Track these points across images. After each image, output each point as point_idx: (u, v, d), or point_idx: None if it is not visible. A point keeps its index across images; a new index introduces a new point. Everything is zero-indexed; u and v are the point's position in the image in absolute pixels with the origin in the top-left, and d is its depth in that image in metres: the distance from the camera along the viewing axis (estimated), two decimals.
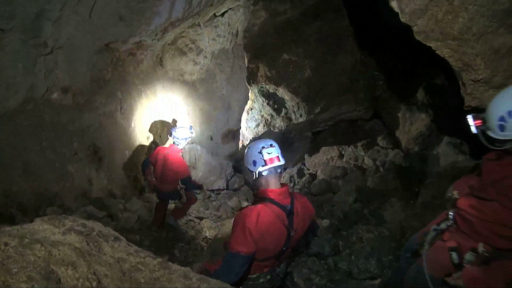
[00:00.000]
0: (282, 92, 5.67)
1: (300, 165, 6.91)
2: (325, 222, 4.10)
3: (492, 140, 1.84)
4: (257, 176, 2.26)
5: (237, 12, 8.00)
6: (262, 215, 2.15)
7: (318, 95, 5.69)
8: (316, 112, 5.87)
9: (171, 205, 6.46)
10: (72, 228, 1.62)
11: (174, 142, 5.79)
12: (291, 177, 6.34)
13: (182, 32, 7.32)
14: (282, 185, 2.32)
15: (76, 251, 1.43)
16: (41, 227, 1.55)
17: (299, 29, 5.74)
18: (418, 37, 2.43)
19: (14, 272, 1.16)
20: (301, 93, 5.63)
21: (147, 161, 5.79)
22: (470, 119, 1.92)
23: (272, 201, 2.22)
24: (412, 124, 5.35)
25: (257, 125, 6.24)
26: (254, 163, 2.26)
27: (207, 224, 6.28)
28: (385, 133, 6.11)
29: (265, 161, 2.22)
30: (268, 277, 2.41)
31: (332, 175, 5.49)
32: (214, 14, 7.49)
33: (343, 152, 6.13)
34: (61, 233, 1.54)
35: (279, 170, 2.29)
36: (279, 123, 6.07)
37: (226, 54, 8.95)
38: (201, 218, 6.79)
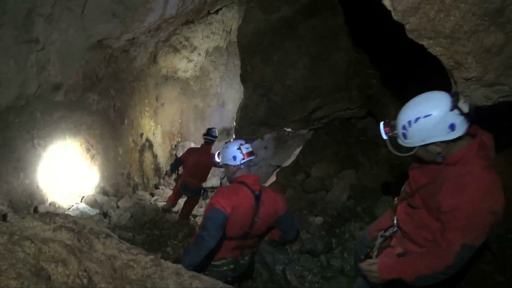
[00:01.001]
0: (276, 90, 5.66)
1: (294, 163, 6.92)
2: (318, 220, 4.11)
3: (400, 147, 1.89)
4: (234, 169, 2.78)
5: (231, 10, 7.99)
6: (237, 190, 2.65)
7: (313, 93, 5.69)
8: (310, 110, 5.88)
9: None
10: (63, 225, 1.61)
11: (207, 142, 6.45)
12: (285, 174, 6.34)
13: (176, 29, 7.29)
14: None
15: (67, 248, 1.42)
16: (32, 224, 1.54)
17: (294, 27, 5.73)
18: (410, 35, 2.44)
19: (3, 269, 1.15)
20: (295, 91, 5.62)
21: (178, 160, 6.48)
22: (381, 125, 1.98)
23: (245, 184, 2.69)
24: None
25: (251, 123, 6.22)
26: (234, 158, 2.78)
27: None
28: (379, 131, 6.13)
29: (243, 155, 2.78)
30: (231, 266, 2.80)
31: (325, 172, 5.51)
32: (208, 11, 7.47)
33: (337, 150, 6.15)
34: (52, 230, 1.54)
35: (251, 164, 2.95)
36: (273, 121, 6.06)
37: (220, 51, 8.95)
38: (194, 216, 6.78)
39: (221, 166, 3.28)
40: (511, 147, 3.78)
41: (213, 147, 6.52)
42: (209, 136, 6.45)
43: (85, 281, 1.33)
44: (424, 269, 1.80)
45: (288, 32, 5.67)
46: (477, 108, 2.57)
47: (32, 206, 4.74)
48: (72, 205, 5.52)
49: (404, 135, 1.84)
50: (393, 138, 1.92)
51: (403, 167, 5.03)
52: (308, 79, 5.53)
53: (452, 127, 1.67)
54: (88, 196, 5.90)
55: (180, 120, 8.72)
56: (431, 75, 4.87)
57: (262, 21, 5.79)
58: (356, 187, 4.69)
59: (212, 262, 2.75)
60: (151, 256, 1.83)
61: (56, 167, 5.29)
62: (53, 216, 1.66)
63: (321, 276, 3.47)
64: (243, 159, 2.77)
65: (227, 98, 9.59)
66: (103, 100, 6.28)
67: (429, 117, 1.72)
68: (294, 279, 3.49)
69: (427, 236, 1.89)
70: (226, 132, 10.21)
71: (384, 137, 1.97)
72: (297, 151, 8.16)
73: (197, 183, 6.43)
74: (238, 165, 2.78)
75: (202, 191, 6.62)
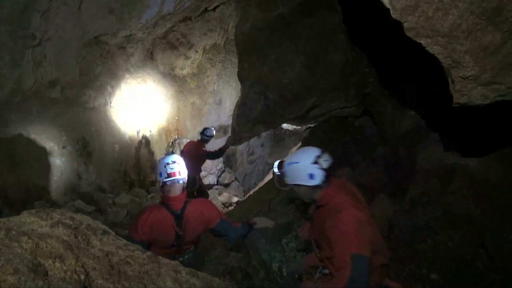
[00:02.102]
0: (273, 88, 5.66)
1: None
2: None
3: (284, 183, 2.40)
4: (161, 184, 2.89)
5: (229, 7, 7.97)
6: (153, 214, 2.82)
7: (309, 92, 5.69)
8: (307, 108, 5.88)
9: None
10: (60, 221, 1.60)
11: (201, 140, 6.62)
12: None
13: (173, 26, 7.26)
14: (182, 194, 2.94)
15: (64, 244, 1.41)
16: (28, 219, 1.53)
17: (291, 25, 5.73)
18: (408, 34, 2.44)
19: (0, 264, 1.14)
20: (292, 89, 5.62)
21: (181, 151, 6.93)
22: (276, 163, 2.49)
23: (165, 205, 2.87)
24: (401, 121, 5.39)
25: (248, 121, 6.22)
26: (160, 174, 2.87)
27: None
28: (375, 130, 6.15)
29: (168, 174, 2.85)
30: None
31: None
32: (206, 8, 7.45)
33: (333, 148, 6.16)
34: (49, 226, 1.53)
35: (180, 181, 2.93)
36: (270, 119, 6.06)
37: (217, 49, 8.92)
38: None
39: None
40: (508, 146, 3.80)
41: (210, 144, 6.79)
42: (204, 136, 6.63)
43: (82, 277, 1.33)
44: None
45: (285, 31, 5.67)
46: (474, 107, 2.58)
47: (28, 203, 4.71)
48: (68, 202, 5.50)
49: (285, 174, 2.34)
50: (281, 175, 2.43)
51: (399, 166, 5.05)
52: (305, 78, 5.53)
53: (311, 176, 2.19)
54: (84, 192, 5.88)
55: (177, 117, 8.70)
56: (428, 74, 4.90)
57: (260, 19, 5.78)
58: None
59: None
60: (149, 253, 1.82)
61: (52, 163, 5.27)
62: (50, 212, 1.65)
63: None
64: (167, 178, 2.87)
65: (224, 95, 9.58)
66: (99, 96, 6.25)
67: (297, 164, 2.25)
68: (289, 275, 3.50)
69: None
70: (223, 129, 10.20)
71: (277, 172, 2.48)
72: (294, 149, 8.16)
73: (192, 175, 6.51)
74: (163, 181, 2.86)
75: (196, 183, 6.71)
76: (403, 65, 5.50)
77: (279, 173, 2.44)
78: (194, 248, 3.14)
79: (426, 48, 2.46)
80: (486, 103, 2.53)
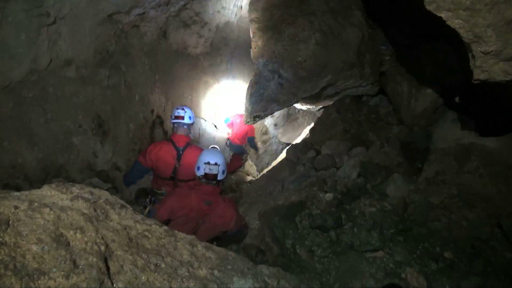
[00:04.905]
0: (287, 66, 5.59)
1: (304, 140, 6.91)
2: (328, 196, 4.12)
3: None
4: (171, 125, 4.01)
5: None
6: (161, 146, 3.86)
7: (324, 70, 5.60)
8: (321, 87, 5.81)
9: None
10: (79, 195, 1.64)
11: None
12: (295, 151, 6.34)
13: (186, 3, 7.18)
14: (186, 137, 3.96)
15: (84, 216, 1.45)
16: (49, 193, 1.57)
17: (306, 1, 5.61)
18: (428, 7, 2.36)
19: (24, 234, 1.18)
20: (306, 67, 5.54)
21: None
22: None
23: (171, 141, 3.91)
24: (417, 100, 5.28)
25: (261, 100, 6.18)
26: (171, 116, 4.04)
27: None
28: (390, 109, 6.06)
29: (175, 116, 3.94)
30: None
31: (336, 150, 5.49)
32: None
33: (347, 128, 6.11)
34: (69, 199, 1.57)
35: (185, 126, 3.94)
36: (283, 98, 6.01)
37: (231, 27, 8.82)
38: None
39: None
40: None
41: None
42: None
43: (102, 248, 1.37)
44: None
45: (300, 7, 5.55)
46: (494, 84, 2.51)
47: (46, 180, 4.82)
48: (85, 180, 5.61)
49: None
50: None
51: (414, 145, 5.00)
52: (320, 55, 5.44)
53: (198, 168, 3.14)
54: (100, 170, 5.98)
55: (190, 97, 8.71)
56: (446, 50, 4.76)
57: None
58: (367, 165, 4.68)
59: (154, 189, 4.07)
60: (165, 227, 1.86)
61: (69, 142, 5.36)
62: (70, 186, 1.70)
63: (331, 251, 3.52)
64: (173, 119, 4.02)
65: (237, 74, 9.52)
66: (114, 75, 6.27)
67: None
68: (303, 253, 3.54)
69: None
70: None
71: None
72: (307, 128, 8.12)
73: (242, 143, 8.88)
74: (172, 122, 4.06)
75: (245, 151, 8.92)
76: (420, 41, 5.36)
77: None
78: None
79: (447, 22, 2.38)
80: (507, 79, 2.46)
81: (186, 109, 3.98)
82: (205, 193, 3.08)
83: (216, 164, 3.08)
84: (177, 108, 4.00)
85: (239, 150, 8.86)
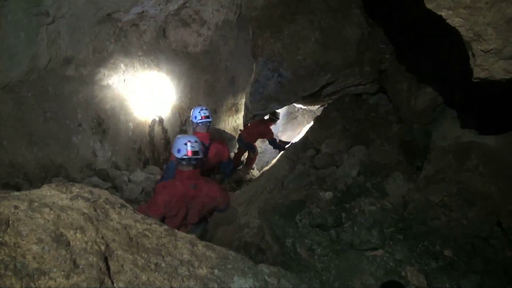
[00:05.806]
0: (286, 65, 5.58)
1: (304, 139, 6.90)
2: (328, 195, 4.12)
3: None
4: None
5: None
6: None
7: (324, 69, 5.59)
8: (321, 85, 5.80)
9: None
10: (79, 195, 1.64)
11: (272, 119, 8.41)
12: (295, 150, 6.33)
13: (186, 2, 7.17)
14: (208, 133, 4.23)
15: (84, 216, 1.45)
16: (49, 192, 1.57)
17: None
18: (429, 5, 2.36)
19: (24, 234, 1.18)
20: (306, 66, 5.54)
21: None
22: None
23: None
24: (417, 98, 5.28)
25: (261, 99, 6.18)
26: (194, 117, 4.18)
27: None
28: (390, 107, 6.05)
29: (200, 117, 4.16)
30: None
31: (335, 149, 5.49)
32: None
33: (347, 126, 6.10)
34: (69, 199, 1.57)
35: (208, 124, 4.16)
36: (283, 97, 6.01)
37: (230, 25, 8.80)
38: None
39: None
40: None
41: None
42: (275, 117, 8.45)
43: (103, 247, 1.36)
44: None
45: (300, 5, 5.54)
46: (494, 82, 2.50)
47: (46, 179, 4.83)
48: (85, 179, 5.61)
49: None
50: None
51: (414, 144, 4.99)
52: (319, 54, 5.43)
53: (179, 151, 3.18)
54: (100, 169, 5.98)
55: (189, 96, 8.70)
56: (445, 49, 4.76)
57: None
58: (367, 163, 4.68)
59: None
60: (165, 226, 1.86)
61: (68, 141, 5.36)
62: (70, 186, 1.69)
63: (331, 249, 3.52)
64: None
65: (237, 73, 9.52)
66: (113, 74, 6.27)
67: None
68: (304, 252, 3.55)
69: None
70: (235, 107, 10.18)
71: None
72: (307, 127, 8.12)
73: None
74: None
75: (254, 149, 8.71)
76: (420, 40, 5.34)
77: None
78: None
79: (447, 21, 2.37)
80: (507, 78, 2.45)
81: (206, 108, 4.27)
82: (188, 178, 3.20)
83: (196, 141, 3.25)
84: (201, 109, 4.18)
85: (247, 148, 8.82)
